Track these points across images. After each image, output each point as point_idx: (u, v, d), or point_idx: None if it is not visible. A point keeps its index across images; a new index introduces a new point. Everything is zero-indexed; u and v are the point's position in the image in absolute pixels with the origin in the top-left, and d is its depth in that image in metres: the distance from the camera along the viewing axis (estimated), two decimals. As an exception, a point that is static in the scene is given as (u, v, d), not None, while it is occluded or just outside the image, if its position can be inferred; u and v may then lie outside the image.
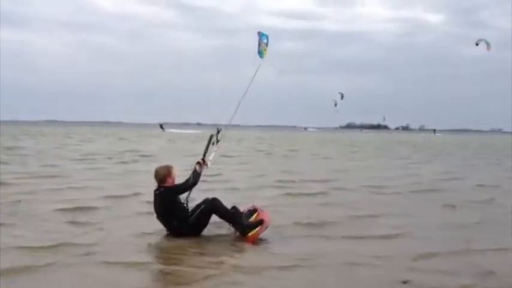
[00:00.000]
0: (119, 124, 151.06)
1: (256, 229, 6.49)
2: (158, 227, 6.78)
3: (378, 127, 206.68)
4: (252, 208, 7.01)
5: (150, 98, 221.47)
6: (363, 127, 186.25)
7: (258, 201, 8.27)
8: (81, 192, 10.69)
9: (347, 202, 10.19)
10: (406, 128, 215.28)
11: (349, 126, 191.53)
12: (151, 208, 6.90)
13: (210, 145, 7.09)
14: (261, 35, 8.52)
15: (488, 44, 19.13)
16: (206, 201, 6.61)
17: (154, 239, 6.63)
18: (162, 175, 6.51)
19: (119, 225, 7.41)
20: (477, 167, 20.26)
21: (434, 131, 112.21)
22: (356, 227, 7.83)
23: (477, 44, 19.48)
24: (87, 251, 5.92)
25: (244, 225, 6.56)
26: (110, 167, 16.73)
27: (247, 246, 6.36)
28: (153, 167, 6.98)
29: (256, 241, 6.50)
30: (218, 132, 7.28)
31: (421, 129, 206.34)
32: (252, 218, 6.77)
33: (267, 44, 8.56)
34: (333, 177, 14.69)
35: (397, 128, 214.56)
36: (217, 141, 7.20)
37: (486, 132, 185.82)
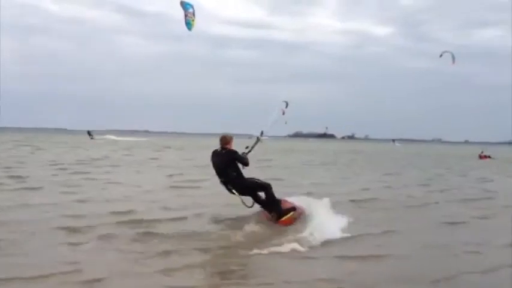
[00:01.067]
0: (59, 131, 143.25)
1: (289, 215, 8.15)
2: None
3: (324, 136, 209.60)
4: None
5: (96, 104, 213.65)
6: (310, 136, 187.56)
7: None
8: None
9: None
10: (351, 137, 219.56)
11: (297, 135, 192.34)
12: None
13: (256, 145, 8.83)
14: (184, 4, 8.29)
15: (453, 57, 17.79)
16: (266, 182, 8.34)
17: None
18: (229, 138, 8.19)
19: None
20: None
21: (393, 140, 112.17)
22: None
23: (441, 56, 18.11)
24: None
25: (280, 211, 8.13)
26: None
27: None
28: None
29: (289, 223, 8.03)
30: (261, 134, 9.90)
31: (367, 138, 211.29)
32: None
33: (193, 14, 8.40)
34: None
35: (343, 137, 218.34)
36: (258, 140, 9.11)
37: (429, 141, 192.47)
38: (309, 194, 10.44)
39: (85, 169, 17.61)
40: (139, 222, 8.08)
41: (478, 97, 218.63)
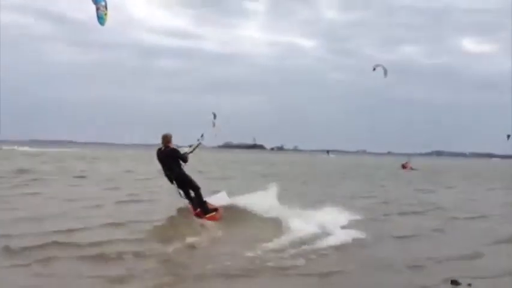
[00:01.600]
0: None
1: (213, 213, 9.63)
2: None
3: (253, 147, 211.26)
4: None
5: (19, 114, 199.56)
6: (239, 147, 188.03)
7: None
8: None
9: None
10: (281, 148, 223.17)
11: (227, 146, 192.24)
12: None
13: (197, 147, 10.44)
14: None
15: (385, 71, 18.34)
16: (198, 185, 9.62)
17: None
18: (169, 137, 9.42)
19: None
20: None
21: (327, 152, 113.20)
22: None
23: (374, 69, 18.63)
24: None
25: (206, 209, 9.61)
26: None
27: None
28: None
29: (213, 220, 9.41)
30: (202, 136, 11.12)
31: (296, 149, 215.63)
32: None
33: (106, 7, 7.94)
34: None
35: (272, 148, 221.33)
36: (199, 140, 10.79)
37: (354, 152, 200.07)
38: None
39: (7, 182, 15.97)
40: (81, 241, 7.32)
41: (398, 110, 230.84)
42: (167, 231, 8.73)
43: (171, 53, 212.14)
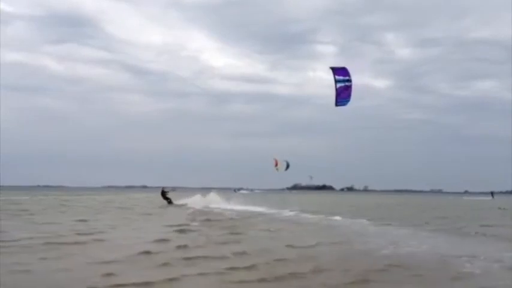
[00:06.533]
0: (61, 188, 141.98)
1: None
2: None
3: (323, 188, 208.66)
4: None
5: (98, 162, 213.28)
6: (308, 188, 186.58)
7: None
8: None
9: None
10: (350, 189, 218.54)
11: (295, 187, 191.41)
12: None
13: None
14: None
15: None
16: None
17: None
18: None
19: None
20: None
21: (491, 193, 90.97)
22: None
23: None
24: None
25: None
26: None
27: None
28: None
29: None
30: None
31: (366, 190, 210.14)
32: None
33: None
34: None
35: (342, 189, 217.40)
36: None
37: (427, 192, 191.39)
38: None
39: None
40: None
41: (472, 148, 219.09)
42: None
43: (244, 98, 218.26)
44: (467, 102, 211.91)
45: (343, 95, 16.21)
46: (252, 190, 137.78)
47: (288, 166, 63.89)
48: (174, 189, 40.19)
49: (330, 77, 16.17)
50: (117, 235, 14.95)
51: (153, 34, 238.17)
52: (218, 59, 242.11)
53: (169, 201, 36.99)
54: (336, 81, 16.13)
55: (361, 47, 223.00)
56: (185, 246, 12.29)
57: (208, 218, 22.99)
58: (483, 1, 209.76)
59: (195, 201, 36.87)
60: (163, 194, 37.81)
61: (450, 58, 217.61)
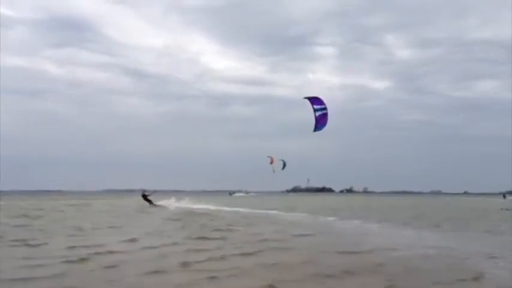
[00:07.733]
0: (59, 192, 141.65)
1: None
2: None
3: (322, 190, 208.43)
4: None
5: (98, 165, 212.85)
6: (308, 190, 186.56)
7: None
8: None
9: None
10: (350, 190, 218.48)
11: (295, 190, 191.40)
12: None
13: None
14: None
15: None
16: None
17: None
18: None
19: None
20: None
21: (504, 196, 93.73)
22: None
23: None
24: None
25: None
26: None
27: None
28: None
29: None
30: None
31: (365, 192, 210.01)
32: None
33: None
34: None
35: (341, 191, 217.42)
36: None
37: (426, 193, 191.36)
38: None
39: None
40: None
41: (472, 148, 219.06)
42: None
43: (245, 100, 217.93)
44: (468, 103, 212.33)
45: (321, 121, 18.33)
46: (247, 193, 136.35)
47: (284, 165, 63.63)
48: (154, 191, 43.64)
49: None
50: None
51: (153, 37, 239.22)
52: (218, 62, 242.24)
53: (151, 202, 40.54)
54: (315, 110, 18.20)
55: (361, 48, 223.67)
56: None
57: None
58: (483, 1, 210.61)
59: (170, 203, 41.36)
60: (144, 196, 41.42)
61: (450, 59, 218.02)
